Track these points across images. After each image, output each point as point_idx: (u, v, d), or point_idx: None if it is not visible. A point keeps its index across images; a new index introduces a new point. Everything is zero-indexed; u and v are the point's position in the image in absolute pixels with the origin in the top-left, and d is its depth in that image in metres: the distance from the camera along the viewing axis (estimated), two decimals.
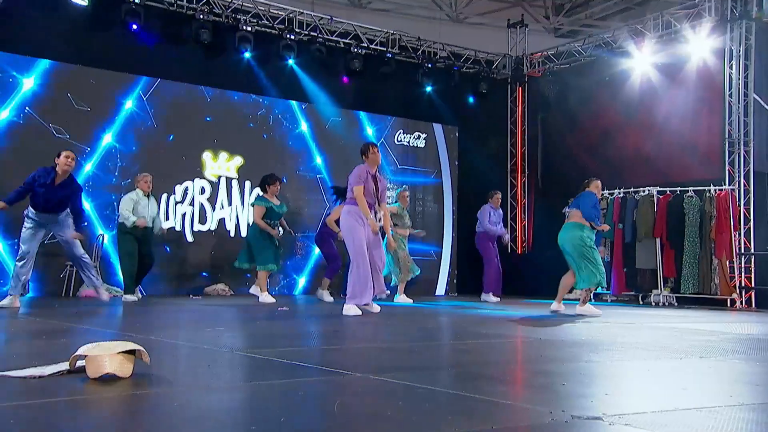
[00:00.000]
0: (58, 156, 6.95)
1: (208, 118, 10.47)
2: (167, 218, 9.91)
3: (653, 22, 11.60)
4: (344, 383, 2.86)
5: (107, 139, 9.63)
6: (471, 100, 13.30)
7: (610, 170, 11.44)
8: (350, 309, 6.38)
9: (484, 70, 13.29)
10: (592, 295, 10.17)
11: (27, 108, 9.07)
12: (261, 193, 8.84)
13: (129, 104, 9.80)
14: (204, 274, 10.30)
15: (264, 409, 2.36)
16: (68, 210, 7.14)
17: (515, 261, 13.06)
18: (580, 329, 5.68)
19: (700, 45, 10.87)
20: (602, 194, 11.19)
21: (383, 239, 6.84)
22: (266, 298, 8.52)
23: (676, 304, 10.16)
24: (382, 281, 6.80)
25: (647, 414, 2.27)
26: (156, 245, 9.09)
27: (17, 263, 7.03)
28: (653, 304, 10.19)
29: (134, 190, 8.57)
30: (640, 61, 11.64)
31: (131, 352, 2.76)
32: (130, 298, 8.26)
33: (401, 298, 9.41)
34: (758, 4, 10.63)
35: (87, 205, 9.16)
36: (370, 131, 12.07)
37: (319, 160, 11.44)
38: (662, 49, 11.47)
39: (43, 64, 9.22)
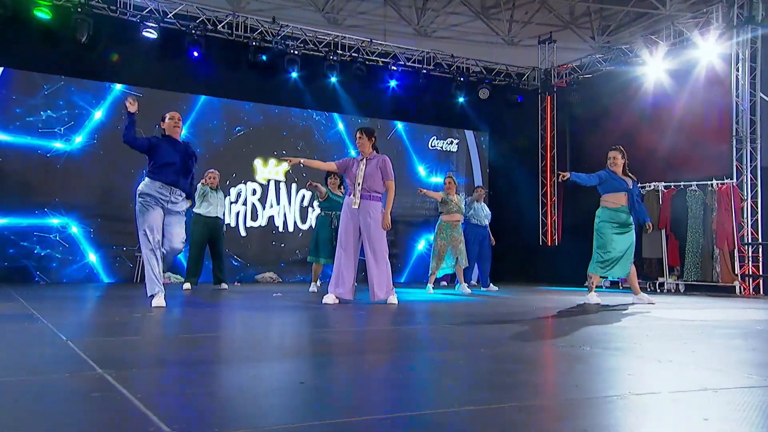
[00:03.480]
0: (163, 120, 5.80)
1: (252, 129, 11.13)
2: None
3: (665, 32, 11.47)
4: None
5: None
6: (503, 109, 13.44)
7: (632, 170, 11.34)
8: (328, 297, 6.03)
9: (514, 82, 13.43)
10: (606, 282, 10.19)
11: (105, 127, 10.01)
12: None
13: (190, 120, 10.59)
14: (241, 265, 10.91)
15: None
16: None
17: (546, 253, 13.19)
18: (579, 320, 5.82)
19: (709, 50, 10.67)
20: None
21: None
22: (313, 287, 8.22)
23: (682, 291, 9.99)
24: (375, 282, 6.05)
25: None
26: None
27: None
28: (658, 291, 10.06)
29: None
30: (654, 68, 11.51)
31: None
32: (187, 286, 8.27)
33: (463, 288, 8.74)
34: (765, 10, 10.37)
35: None
36: (405, 138, 12.45)
37: None
38: (674, 56, 11.31)
39: (119, 87, 10.14)
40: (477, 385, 2.30)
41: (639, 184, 10.57)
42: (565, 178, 6.86)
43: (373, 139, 6.33)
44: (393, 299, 6.11)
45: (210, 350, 3.11)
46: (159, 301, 5.24)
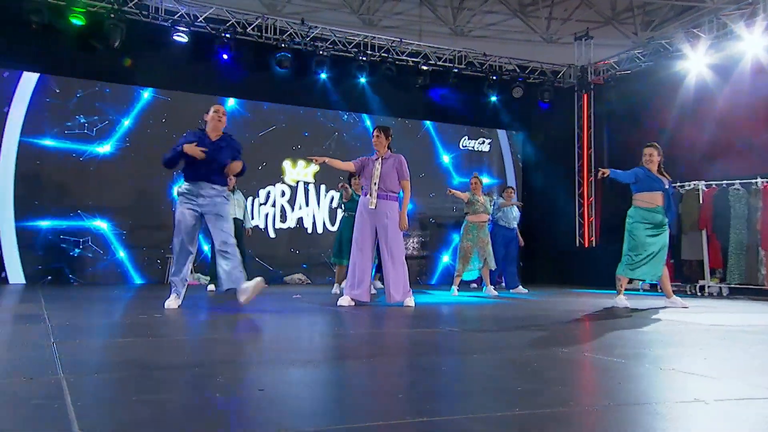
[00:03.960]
0: (207, 112, 5.52)
1: (282, 130, 11.09)
2: (252, 218, 10.60)
3: (708, 25, 10.99)
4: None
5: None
6: (538, 108, 13.12)
7: (669, 168, 10.91)
8: (343, 299, 5.87)
9: (549, 80, 13.09)
10: (644, 285, 9.75)
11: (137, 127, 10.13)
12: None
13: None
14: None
15: None
16: None
17: (582, 255, 12.79)
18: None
19: (755, 43, 10.16)
20: None
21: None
22: (336, 288, 8.17)
23: (726, 294, 9.51)
24: (391, 284, 5.90)
25: None
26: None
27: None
28: (699, 294, 9.61)
29: None
30: (696, 62, 11.03)
31: None
32: (211, 288, 8.32)
33: (489, 290, 8.49)
34: None
35: None
36: (435, 138, 12.25)
37: None
38: (716, 50, 10.82)
39: (150, 91, 10.25)
40: (498, 390, 2.13)
41: (678, 183, 10.26)
42: (605, 175, 6.59)
43: (390, 138, 6.18)
44: (410, 301, 5.95)
45: (194, 355, 3.00)
46: (170, 303, 5.19)
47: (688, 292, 9.81)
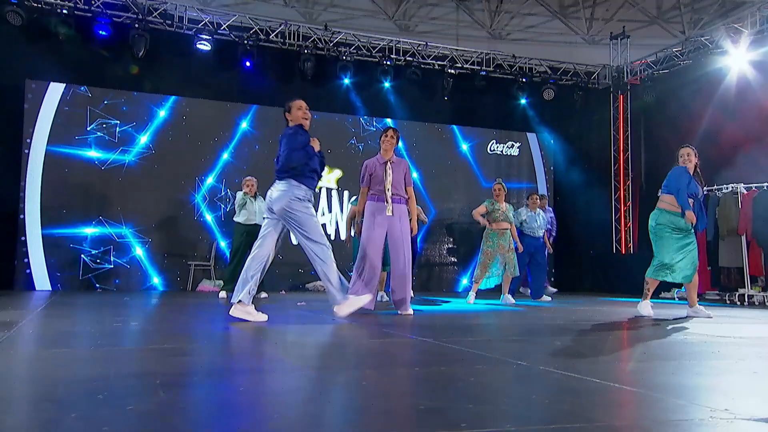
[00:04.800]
0: (289, 111, 5.16)
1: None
2: None
3: (750, 19, 10.37)
4: None
5: (224, 156, 10.50)
6: (570, 110, 12.64)
7: (710, 170, 10.35)
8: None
9: (582, 81, 12.61)
10: (678, 293, 9.20)
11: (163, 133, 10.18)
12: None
13: (243, 126, 10.60)
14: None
15: None
16: None
17: (620, 262, 12.24)
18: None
19: None
20: None
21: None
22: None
23: None
24: (399, 289, 5.65)
25: None
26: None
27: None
28: (739, 303, 8.99)
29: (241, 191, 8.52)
30: (737, 59, 10.42)
31: None
32: (222, 294, 8.22)
33: (506, 299, 8.14)
34: None
35: (208, 216, 10.09)
36: (464, 145, 11.93)
37: (414, 174, 11.49)
38: (759, 45, 10.19)
39: (173, 99, 10.30)
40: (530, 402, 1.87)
41: (716, 186, 9.67)
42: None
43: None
44: (409, 310, 5.69)
45: (119, 365, 2.82)
46: (236, 311, 4.66)
47: (727, 302, 9.21)
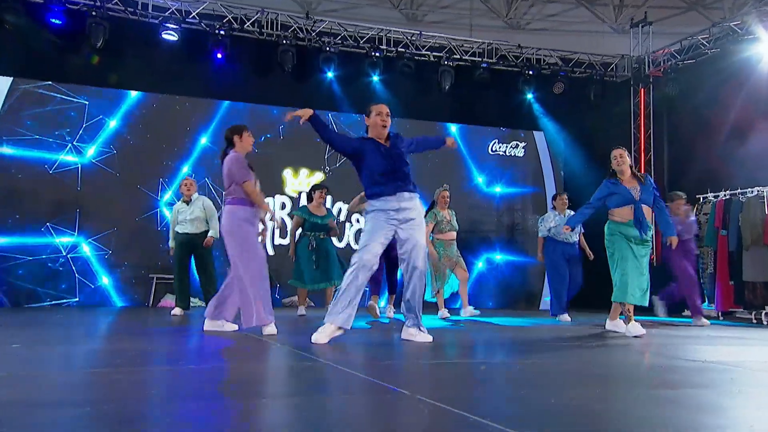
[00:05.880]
0: (368, 115, 4.70)
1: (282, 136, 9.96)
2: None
3: None
4: None
5: (194, 156, 9.53)
6: (583, 105, 11.40)
7: (745, 172, 9.10)
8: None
9: (597, 73, 11.36)
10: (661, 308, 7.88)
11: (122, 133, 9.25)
12: (305, 203, 7.98)
13: (212, 128, 9.61)
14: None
15: None
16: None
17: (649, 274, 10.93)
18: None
19: None
20: (707, 196, 9.04)
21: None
22: (300, 311, 7.55)
23: None
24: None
25: None
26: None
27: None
28: (766, 322, 7.72)
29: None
30: None
31: None
32: (175, 311, 7.25)
33: (443, 313, 7.31)
34: None
35: None
36: (460, 142, 10.77)
37: None
38: None
39: (135, 95, 9.36)
40: None
41: (739, 190, 8.39)
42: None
43: None
44: (270, 329, 4.72)
45: None
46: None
47: (754, 321, 7.94)
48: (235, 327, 5.03)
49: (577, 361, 3.73)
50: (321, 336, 4.13)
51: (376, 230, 4.31)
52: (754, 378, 3.17)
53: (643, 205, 5.46)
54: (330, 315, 4.19)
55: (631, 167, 5.77)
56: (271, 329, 4.68)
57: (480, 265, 10.70)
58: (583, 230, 7.92)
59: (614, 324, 5.90)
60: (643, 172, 11.48)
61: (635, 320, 5.42)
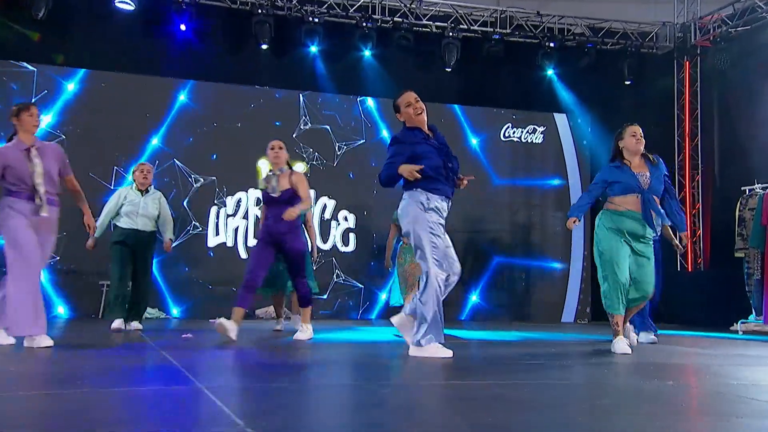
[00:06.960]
0: (398, 111, 4.17)
1: (270, 121, 8.67)
2: (216, 233, 8.29)
3: None
4: None
5: (153, 142, 8.32)
6: (615, 83, 9.80)
7: None
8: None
9: (633, 45, 9.74)
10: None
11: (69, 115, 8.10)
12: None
13: (174, 111, 8.40)
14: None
15: None
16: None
17: (688, 282, 9.37)
18: None
19: None
20: (753, 188, 7.50)
21: None
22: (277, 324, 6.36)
23: None
24: None
25: None
26: (174, 264, 7.40)
27: None
28: None
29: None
30: None
31: None
32: (115, 324, 5.83)
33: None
34: None
35: None
36: (467, 127, 9.35)
37: None
38: None
39: (85, 72, 8.21)
40: None
41: None
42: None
43: None
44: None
45: None
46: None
47: None
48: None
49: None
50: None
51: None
52: None
53: (653, 196, 4.40)
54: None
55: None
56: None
57: (490, 270, 9.22)
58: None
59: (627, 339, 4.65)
60: (689, 161, 9.86)
61: (624, 337, 4.46)
